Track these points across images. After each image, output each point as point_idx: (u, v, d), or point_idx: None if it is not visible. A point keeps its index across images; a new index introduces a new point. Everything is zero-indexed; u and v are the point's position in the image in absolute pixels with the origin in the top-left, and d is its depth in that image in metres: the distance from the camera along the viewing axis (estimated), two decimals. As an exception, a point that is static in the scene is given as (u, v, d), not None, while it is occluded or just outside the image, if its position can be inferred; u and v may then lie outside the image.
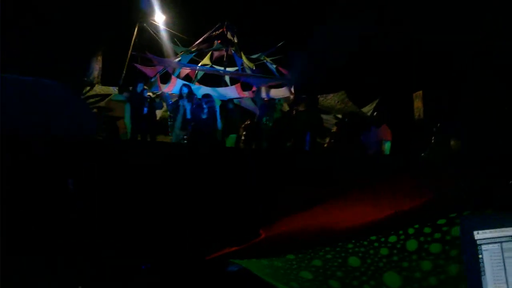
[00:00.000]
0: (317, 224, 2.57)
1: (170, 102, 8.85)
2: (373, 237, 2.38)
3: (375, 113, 7.56)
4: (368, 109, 11.52)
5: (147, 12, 14.91)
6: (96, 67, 17.14)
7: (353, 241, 2.49)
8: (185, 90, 8.13)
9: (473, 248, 1.57)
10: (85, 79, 15.62)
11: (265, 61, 13.96)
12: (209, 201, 3.65)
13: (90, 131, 3.90)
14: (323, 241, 2.60)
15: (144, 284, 3.29)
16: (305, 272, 2.72)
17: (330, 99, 12.31)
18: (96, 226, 3.56)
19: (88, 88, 13.05)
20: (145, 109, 9.34)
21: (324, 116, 12.37)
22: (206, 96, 7.68)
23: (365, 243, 2.45)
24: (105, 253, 3.43)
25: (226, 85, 13.24)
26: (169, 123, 8.98)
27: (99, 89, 12.72)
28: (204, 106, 7.29)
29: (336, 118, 10.99)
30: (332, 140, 7.12)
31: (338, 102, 12.16)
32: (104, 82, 15.64)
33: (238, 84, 12.49)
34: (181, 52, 13.48)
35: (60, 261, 3.15)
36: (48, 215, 3.40)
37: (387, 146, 5.96)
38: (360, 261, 2.48)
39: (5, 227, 2.99)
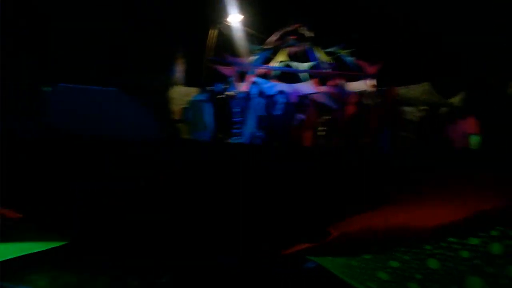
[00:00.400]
0: (392, 224, 2.50)
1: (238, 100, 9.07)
2: (452, 239, 2.26)
3: (462, 104, 7.06)
4: (456, 100, 10.77)
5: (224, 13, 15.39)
6: (179, 68, 18.11)
7: (431, 242, 2.39)
8: (255, 88, 8.30)
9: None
10: (169, 80, 16.61)
11: (341, 54, 13.66)
12: (284, 198, 3.71)
13: (150, 132, 4.18)
14: (399, 242, 2.52)
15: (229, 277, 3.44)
16: (382, 272, 2.67)
17: (413, 91, 11.71)
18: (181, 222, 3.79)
19: (172, 89, 13.91)
20: (226, 109, 9.72)
21: (408, 109, 11.85)
22: (281, 92, 7.72)
23: (444, 244, 2.34)
24: (189, 247, 3.65)
25: (303, 81, 13.20)
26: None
27: (182, 90, 13.40)
28: (279, 102, 7.36)
29: (420, 110, 10.45)
30: (415, 134, 6.77)
31: (422, 93, 11.52)
32: (187, 83, 16.48)
33: (315, 79, 12.39)
34: (256, 51, 13.69)
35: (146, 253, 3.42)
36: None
37: (474, 140, 5.52)
38: (439, 264, 2.37)
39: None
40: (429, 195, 2.54)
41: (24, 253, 2.54)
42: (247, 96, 10.22)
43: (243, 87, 11.42)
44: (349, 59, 13.39)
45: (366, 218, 2.69)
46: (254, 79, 12.24)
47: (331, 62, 13.20)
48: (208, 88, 11.73)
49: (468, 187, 2.39)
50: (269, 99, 8.81)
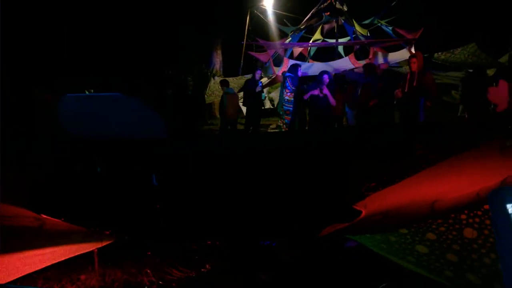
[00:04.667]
0: (423, 195, 2.44)
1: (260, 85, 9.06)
2: (488, 206, 2.17)
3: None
4: (506, 59, 10.08)
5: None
6: (217, 60, 18.31)
7: (466, 212, 2.31)
8: (288, 74, 8.24)
9: (506, 222, 1.39)
10: (208, 72, 16.85)
11: (379, 24, 13.16)
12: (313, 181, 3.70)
13: (158, 134, 4.30)
14: (434, 213, 2.45)
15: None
16: (420, 246, 2.62)
17: (458, 54, 11.07)
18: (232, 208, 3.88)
19: (212, 80, 14.11)
20: (263, 95, 9.74)
21: (454, 74, 11.25)
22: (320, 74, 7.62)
23: (479, 213, 2.25)
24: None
25: (340, 57, 12.90)
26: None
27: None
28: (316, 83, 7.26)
29: (467, 73, 9.91)
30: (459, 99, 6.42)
31: (469, 55, 10.85)
32: (226, 73, 16.64)
33: (352, 54, 12.06)
34: (291, 32, 13.53)
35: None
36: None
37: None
38: (476, 233, 2.29)
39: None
40: (461, 163, 2.44)
41: (72, 256, 2.73)
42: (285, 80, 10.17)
43: (280, 71, 11.36)
44: (388, 28, 12.88)
45: (394, 192, 2.63)
46: (290, 61, 12.14)
47: (368, 34, 12.75)
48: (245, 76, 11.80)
49: (503, 149, 2.27)
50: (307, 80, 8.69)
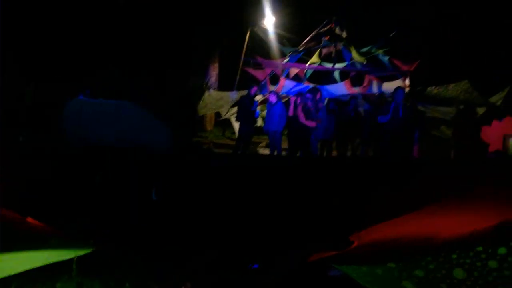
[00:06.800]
0: (417, 232, 2.42)
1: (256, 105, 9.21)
2: (480, 248, 2.16)
3: (502, 104, 6.70)
4: (497, 99, 10.26)
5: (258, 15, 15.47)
6: (213, 73, 18.35)
7: (457, 252, 2.29)
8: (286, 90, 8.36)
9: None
10: (204, 84, 16.88)
11: (376, 53, 13.36)
12: (309, 205, 3.68)
13: (163, 144, 4.26)
14: (424, 250, 2.43)
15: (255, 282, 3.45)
16: (407, 282, 2.58)
17: (451, 90, 11.25)
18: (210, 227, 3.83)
19: (206, 93, 14.11)
20: (257, 113, 9.78)
21: (445, 109, 11.42)
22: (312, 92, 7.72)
23: (471, 254, 2.23)
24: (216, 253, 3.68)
25: (336, 82, 13.02)
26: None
27: (215, 94, 13.54)
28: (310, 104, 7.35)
29: (458, 110, 10.05)
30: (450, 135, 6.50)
31: (461, 92, 11.03)
32: (221, 87, 16.68)
33: (347, 80, 12.18)
34: (289, 53, 13.64)
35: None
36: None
37: (511, 142, 5.20)
38: (466, 274, 2.27)
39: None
40: (456, 202, 2.44)
41: (50, 262, 2.62)
42: (282, 98, 10.23)
43: (276, 88, 11.42)
44: (385, 58, 13.08)
45: (390, 226, 2.61)
46: (287, 81, 12.21)
47: (365, 62, 12.93)
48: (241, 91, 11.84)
49: (497, 193, 2.28)
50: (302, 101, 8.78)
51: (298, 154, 8.02)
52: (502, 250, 2.10)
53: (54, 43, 14.17)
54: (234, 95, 10.06)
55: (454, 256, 2.32)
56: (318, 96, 8.19)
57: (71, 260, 2.84)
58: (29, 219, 2.56)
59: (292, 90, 11.71)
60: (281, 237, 3.61)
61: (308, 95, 8.26)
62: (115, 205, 3.58)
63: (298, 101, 7.97)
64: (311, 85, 12.34)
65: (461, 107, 9.08)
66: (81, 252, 2.80)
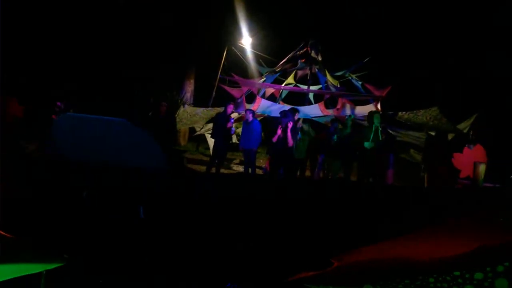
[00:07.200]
0: (394, 256, 2.45)
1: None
2: (457, 273, 2.20)
3: (470, 131, 6.97)
4: (464, 126, 10.67)
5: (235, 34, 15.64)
6: (189, 89, 18.30)
7: (435, 276, 2.33)
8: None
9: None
10: (179, 100, 16.77)
11: (350, 77, 13.72)
12: (289, 226, 3.68)
13: (159, 163, 4.21)
14: (402, 274, 2.46)
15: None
16: (384, 304, 2.60)
17: (421, 115, 11.62)
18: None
19: (181, 108, 14.02)
20: (232, 130, 9.77)
21: (415, 134, 11.77)
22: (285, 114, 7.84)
23: (448, 278, 2.27)
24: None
25: (310, 103, 13.24)
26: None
27: (190, 110, 13.46)
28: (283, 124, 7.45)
29: (429, 135, 10.37)
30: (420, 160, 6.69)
31: (430, 118, 11.39)
32: (196, 103, 16.62)
33: (322, 102, 12.41)
34: (266, 73, 13.82)
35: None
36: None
37: (481, 169, 5.40)
38: (443, 298, 2.31)
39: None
40: (433, 228, 2.49)
41: (20, 274, 2.51)
42: (257, 116, 10.29)
43: (252, 107, 11.48)
44: (358, 83, 13.44)
45: (369, 250, 2.63)
46: (263, 101, 12.31)
47: (339, 85, 13.24)
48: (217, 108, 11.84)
49: (473, 220, 2.34)
50: (274, 120, 8.86)
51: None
52: (478, 275, 2.15)
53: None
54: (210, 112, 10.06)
55: (432, 280, 2.35)
56: (296, 116, 8.31)
57: (39, 273, 2.71)
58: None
59: (268, 109, 11.81)
60: (262, 258, 3.59)
61: (289, 116, 8.38)
62: (96, 221, 3.47)
63: (290, 125, 8.06)
64: (286, 106, 12.52)
65: (432, 133, 9.37)
66: (50, 266, 2.69)
